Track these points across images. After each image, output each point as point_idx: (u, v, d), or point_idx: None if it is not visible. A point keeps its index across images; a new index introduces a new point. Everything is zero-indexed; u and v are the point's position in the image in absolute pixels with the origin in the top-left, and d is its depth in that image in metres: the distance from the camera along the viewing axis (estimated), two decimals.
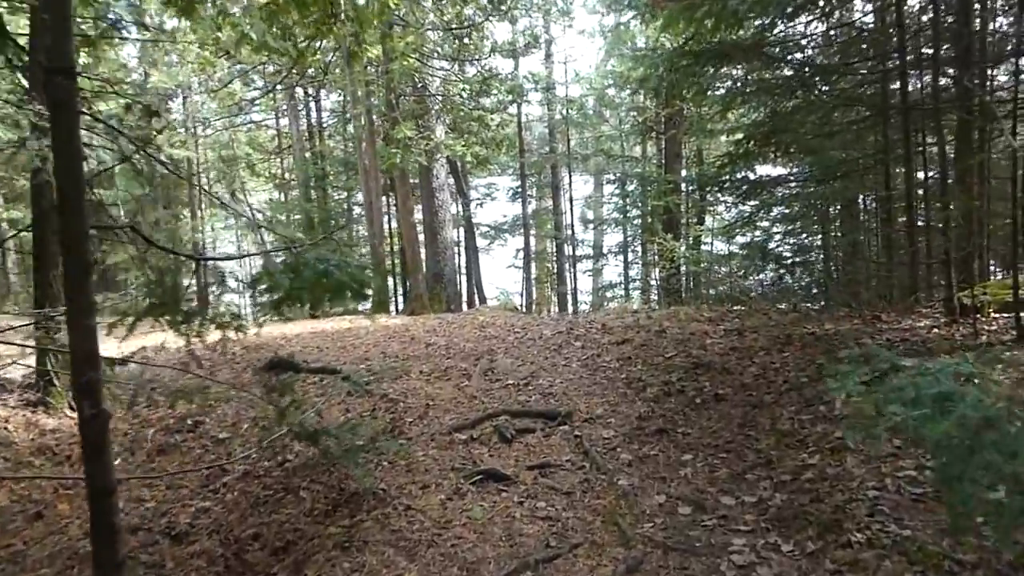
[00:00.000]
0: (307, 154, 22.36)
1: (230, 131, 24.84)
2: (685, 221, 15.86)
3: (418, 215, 17.34)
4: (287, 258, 3.78)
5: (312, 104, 22.18)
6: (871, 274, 9.48)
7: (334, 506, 4.48)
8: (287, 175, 21.35)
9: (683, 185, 13.53)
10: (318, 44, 11.08)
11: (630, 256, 19.18)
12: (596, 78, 17.56)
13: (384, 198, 21.22)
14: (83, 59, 13.36)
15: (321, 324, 10.53)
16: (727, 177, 9.60)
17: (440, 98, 13.73)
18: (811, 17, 8.81)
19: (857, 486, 3.89)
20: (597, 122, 18.99)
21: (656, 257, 13.81)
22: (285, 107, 19.32)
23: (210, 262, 3.94)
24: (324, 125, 21.30)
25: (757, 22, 7.54)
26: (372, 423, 5.57)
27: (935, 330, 6.32)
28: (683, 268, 13.48)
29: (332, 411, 6.05)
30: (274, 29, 6.78)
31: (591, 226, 21.49)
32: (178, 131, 18.50)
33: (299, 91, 21.70)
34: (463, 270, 22.38)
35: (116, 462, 5.65)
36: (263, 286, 3.71)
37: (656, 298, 14.43)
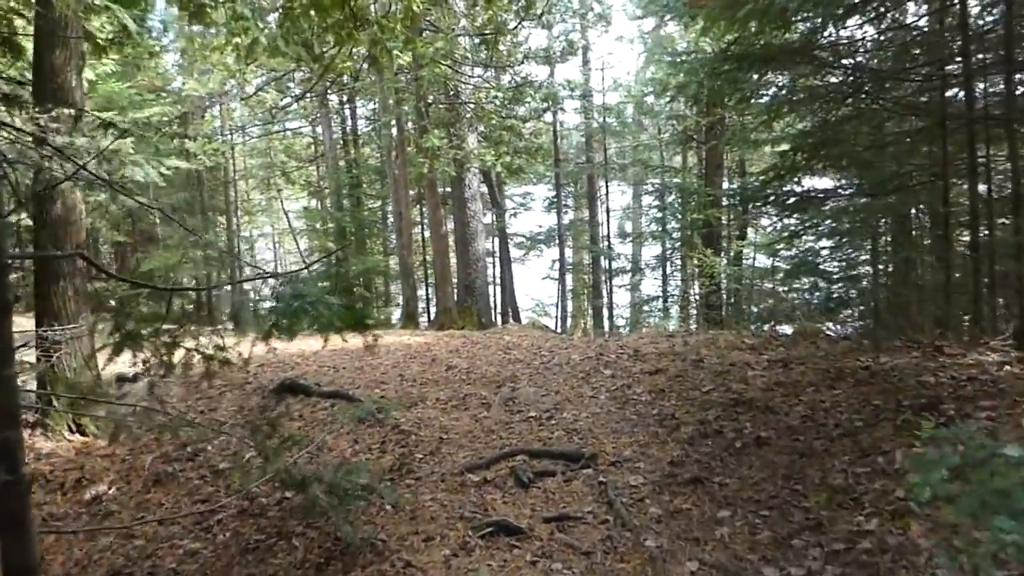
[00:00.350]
0: (341, 162, 22.24)
1: (267, 139, 24.93)
2: (727, 235, 15.21)
3: (450, 225, 17.00)
4: (280, 284, 3.37)
5: (347, 111, 22.04)
6: (925, 297, 8.77)
7: (327, 558, 4.05)
8: (321, 183, 21.18)
9: (724, 198, 12.92)
10: (346, 50, 10.79)
11: (668, 270, 18.56)
12: (635, 85, 17.02)
13: (418, 207, 20.98)
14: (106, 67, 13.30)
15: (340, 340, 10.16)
16: (772, 191, 8.99)
17: (472, 106, 13.34)
18: (863, 19, 8.18)
19: (925, 563, 3.32)
20: (635, 131, 18.45)
21: (696, 272, 13.20)
22: (319, 115, 19.14)
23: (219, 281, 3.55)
24: (359, 133, 21.08)
25: (804, 25, 6.98)
26: (377, 461, 5.13)
27: (1006, 367, 5.66)
28: (723, 285, 12.86)
29: (340, 442, 5.64)
30: (291, 34, 6.44)
31: (629, 239, 20.87)
32: (215, 139, 18.46)
33: (333, 99, 21.61)
34: (497, 280, 21.98)
35: (110, 491, 5.32)
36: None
37: (695, 315, 13.82)
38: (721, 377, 6.26)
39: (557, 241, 22.15)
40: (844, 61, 7.44)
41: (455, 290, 15.36)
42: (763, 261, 15.06)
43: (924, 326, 7.80)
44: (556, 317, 23.28)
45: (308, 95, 16.78)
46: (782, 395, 5.74)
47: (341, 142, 22.15)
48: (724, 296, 13.08)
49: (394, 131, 13.42)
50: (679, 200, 14.43)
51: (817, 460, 4.62)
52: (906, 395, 5.29)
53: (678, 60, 9.99)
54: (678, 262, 17.68)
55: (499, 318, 20.79)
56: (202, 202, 20.38)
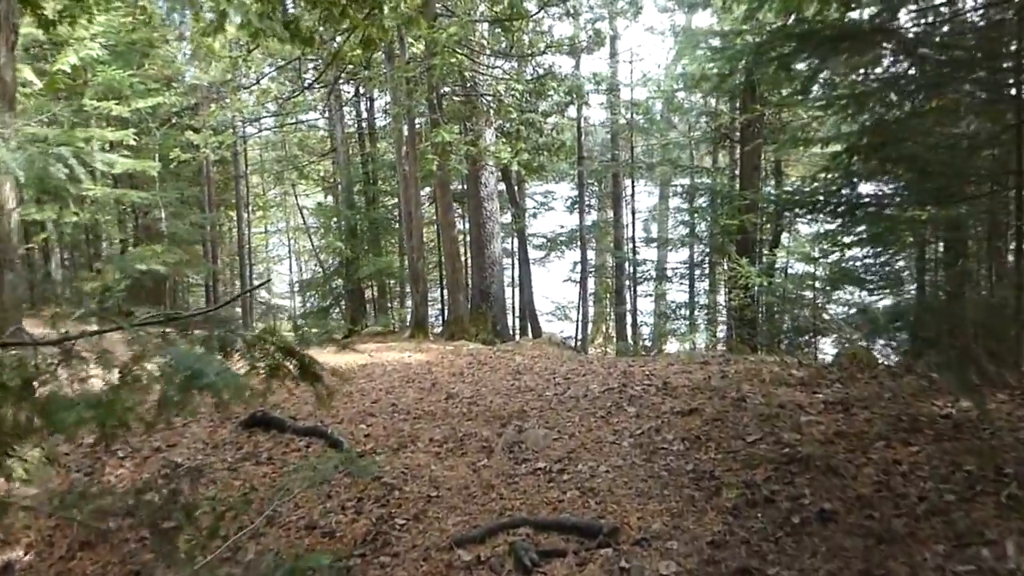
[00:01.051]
0: (357, 158, 21.38)
1: (281, 132, 24.15)
2: (759, 239, 14.12)
3: (466, 225, 16.07)
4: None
5: (364, 104, 21.15)
6: (988, 321, 7.66)
7: None
8: (335, 179, 20.33)
9: (762, 203, 11.85)
10: (355, 36, 9.86)
11: (696, 276, 17.46)
12: (664, 80, 15.92)
13: (433, 206, 20.05)
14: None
15: (334, 358, 9.27)
16: (822, 197, 7.93)
17: (489, 98, 12.37)
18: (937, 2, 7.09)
19: None
20: (664, 128, 17.36)
21: (727, 281, 12.14)
22: (331, 106, 18.27)
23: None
24: (376, 127, 20.16)
25: (873, 8, 5.91)
26: (350, 527, 4.19)
27: None
28: (758, 297, 11.80)
29: (309, 497, 4.71)
30: (269, 8, 5.54)
31: (654, 243, 19.75)
32: (222, 131, 17.68)
33: (348, 90, 20.75)
34: (516, 282, 21.02)
35: (26, 557, 4.44)
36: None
37: (726, 330, 12.76)
38: (769, 423, 5.23)
39: (579, 243, 21.16)
40: (919, 49, 6.34)
41: (469, 295, 14.44)
42: (797, 269, 13.96)
43: (981, 357, 6.70)
44: (577, 321, 22.28)
45: (317, 85, 15.89)
46: (845, 450, 4.70)
47: (357, 136, 21.27)
48: (759, 310, 12.02)
49: (405, 125, 12.50)
50: (710, 203, 13.35)
51: (901, 548, 3.60)
52: (1006, 458, 4.27)
53: (717, 47, 8.94)
54: (706, 268, 16.59)
55: (516, 324, 19.85)
56: (208, 197, 19.63)
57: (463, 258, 16.12)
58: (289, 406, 6.49)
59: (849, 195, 8.81)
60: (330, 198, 23.33)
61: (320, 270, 19.01)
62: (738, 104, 12.59)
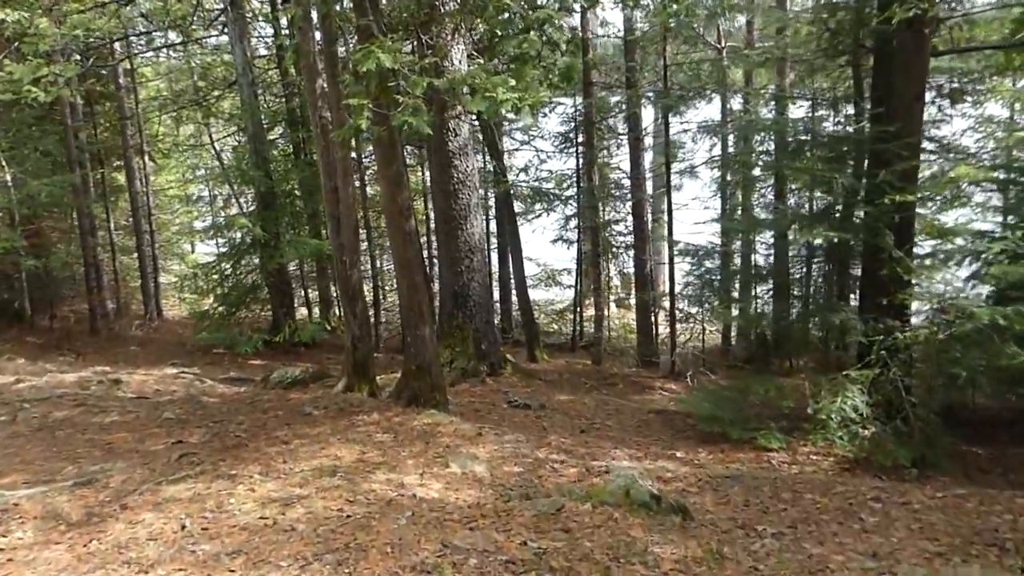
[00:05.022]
0: (276, 87, 15.82)
1: (179, 59, 18.32)
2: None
3: (428, 204, 10.92)
4: None
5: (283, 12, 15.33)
6: None
7: None
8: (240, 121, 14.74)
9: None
10: None
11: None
12: None
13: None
14: None
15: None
16: None
17: None
18: None
19: None
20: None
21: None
22: (229, 20, 12.54)
23: None
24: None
25: None
26: None
27: None
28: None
29: None
30: None
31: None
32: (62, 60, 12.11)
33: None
34: (499, 258, 16.02)
35: None
36: None
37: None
38: None
39: (576, 192, 16.13)
40: None
41: (435, 312, 9.50)
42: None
43: None
44: (575, 288, 17.53)
45: None
46: None
47: (276, 58, 15.54)
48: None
49: (314, 40, 7.25)
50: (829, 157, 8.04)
51: None
52: None
53: None
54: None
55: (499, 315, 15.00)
56: (69, 149, 14.00)
57: (425, 251, 11.14)
58: None
59: None
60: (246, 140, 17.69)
61: (225, 251, 13.63)
62: None
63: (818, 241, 7.86)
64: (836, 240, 7.25)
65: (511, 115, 6.53)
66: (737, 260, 12.32)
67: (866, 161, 7.24)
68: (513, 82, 5.15)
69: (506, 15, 5.85)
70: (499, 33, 6.16)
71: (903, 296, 6.61)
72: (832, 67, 8.71)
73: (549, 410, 8.64)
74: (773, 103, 13.54)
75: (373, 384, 8.26)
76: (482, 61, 8.98)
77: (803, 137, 8.27)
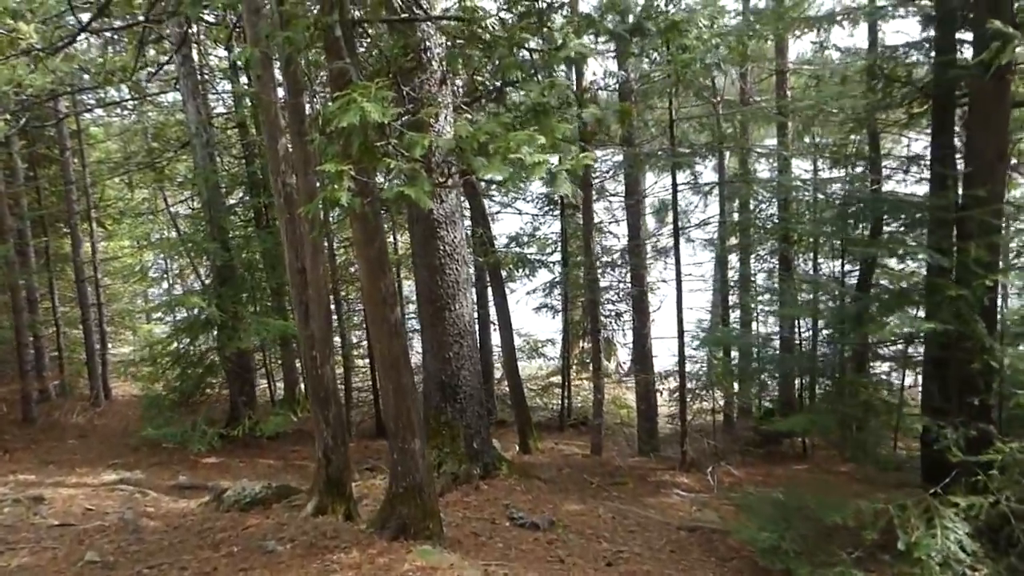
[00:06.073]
0: (235, 148, 14.49)
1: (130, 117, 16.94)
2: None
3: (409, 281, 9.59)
4: None
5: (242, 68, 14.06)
6: None
7: None
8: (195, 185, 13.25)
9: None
10: None
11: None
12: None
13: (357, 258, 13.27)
14: None
15: None
16: None
17: (449, 29, 5.93)
18: None
19: None
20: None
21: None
22: (179, 72, 11.23)
23: None
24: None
25: None
26: None
27: None
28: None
29: None
30: None
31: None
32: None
33: (215, 51, 13.75)
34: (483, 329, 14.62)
35: None
36: None
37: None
38: None
39: (561, 256, 14.93)
40: None
41: (421, 398, 8.03)
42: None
43: None
44: (563, 361, 16.21)
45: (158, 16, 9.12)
46: None
47: (233, 116, 14.20)
48: None
49: (276, 93, 5.96)
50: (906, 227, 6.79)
51: None
52: None
53: None
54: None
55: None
56: (1, 217, 12.40)
57: (406, 339, 9.77)
58: None
59: None
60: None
61: (180, 327, 11.97)
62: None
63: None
64: (918, 329, 6.00)
65: (541, 184, 5.24)
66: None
67: (954, 233, 6.06)
68: (542, 139, 3.85)
69: (523, 54, 4.61)
70: (509, 78, 4.91)
71: (1016, 398, 5.37)
72: (885, 122, 7.61)
73: (561, 529, 7.18)
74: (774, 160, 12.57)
75: (350, 503, 6.72)
76: (470, 117, 7.86)
77: (857, 204, 7.07)
